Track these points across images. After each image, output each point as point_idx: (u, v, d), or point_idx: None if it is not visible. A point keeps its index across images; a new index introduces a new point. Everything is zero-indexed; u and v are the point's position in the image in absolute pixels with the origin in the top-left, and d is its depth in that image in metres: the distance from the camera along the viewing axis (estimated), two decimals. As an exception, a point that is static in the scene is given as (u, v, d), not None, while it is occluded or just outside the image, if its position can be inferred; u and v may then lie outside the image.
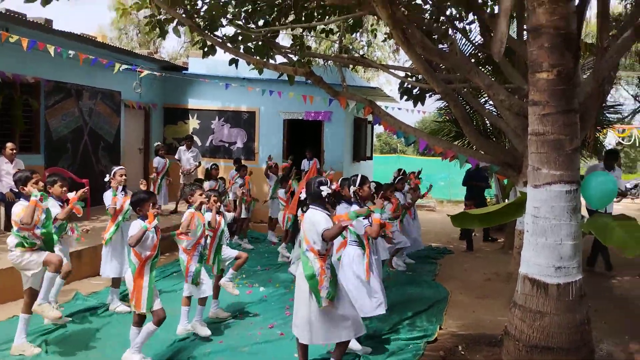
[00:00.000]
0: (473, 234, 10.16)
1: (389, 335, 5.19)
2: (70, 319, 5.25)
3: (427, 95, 9.44)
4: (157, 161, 10.32)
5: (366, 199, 4.99)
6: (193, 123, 13.13)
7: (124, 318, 5.45)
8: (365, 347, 4.75)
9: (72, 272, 5.38)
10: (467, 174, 10.26)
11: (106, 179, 5.85)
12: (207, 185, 9.10)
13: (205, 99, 12.93)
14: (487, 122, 11.21)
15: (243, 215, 9.60)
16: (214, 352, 4.68)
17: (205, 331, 5.00)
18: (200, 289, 5.02)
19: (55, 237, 4.89)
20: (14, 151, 7.83)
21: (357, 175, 5.07)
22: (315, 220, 3.89)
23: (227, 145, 12.99)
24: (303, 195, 4.06)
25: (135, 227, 4.16)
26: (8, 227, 6.85)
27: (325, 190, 3.98)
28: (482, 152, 7.48)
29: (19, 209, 4.40)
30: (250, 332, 5.21)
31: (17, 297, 5.04)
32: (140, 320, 4.21)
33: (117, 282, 5.81)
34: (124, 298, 5.80)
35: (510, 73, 6.95)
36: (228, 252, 5.66)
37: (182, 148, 11.07)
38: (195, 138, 12.79)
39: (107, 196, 5.75)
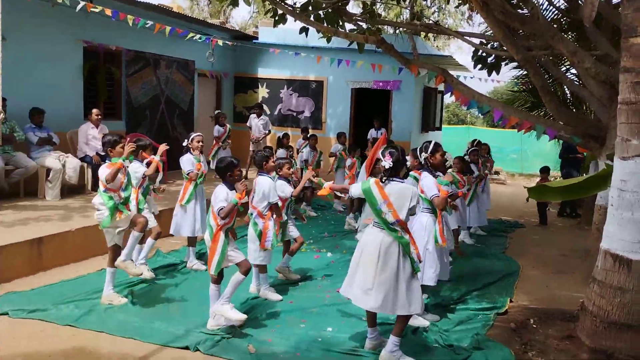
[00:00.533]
0: (547, 208, 9.79)
1: (457, 305, 5.17)
2: (154, 275, 5.59)
3: (503, 63, 9.06)
4: (216, 130, 10.49)
5: (437, 167, 4.81)
6: (262, 92, 13.35)
7: (201, 275, 5.76)
8: (433, 314, 4.76)
9: (161, 232, 5.70)
10: (564, 146, 9.99)
11: (184, 144, 6.07)
12: (279, 153, 9.30)
13: (275, 68, 13.08)
14: (568, 91, 10.64)
15: (307, 184, 9.72)
16: (285, 311, 4.86)
17: (277, 296, 5.17)
18: (264, 256, 5.12)
19: (142, 198, 5.24)
20: (99, 117, 8.33)
21: (429, 142, 4.90)
22: (405, 191, 3.81)
23: (294, 114, 13.13)
24: (386, 164, 3.91)
25: (222, 193, 4.26)
26: (95, 187, 7.36)
27: (387, 163, 3.82)
28: (562, 123, 7.13)
29: (106, 171, 4.68)
30: (318, 295, 5.35)
31: (104, 252, 5.41)
32: (218, 279, 4.42)
33: (192, 240, 6.10)
34: (201, 257, 6.12)
35: (597, 39, 6.52)
36: (291, 230, 5.71)
37: (253, 116, 11.31)
38: (265, 107, 13.02)
39: (186, 160, 5.99)
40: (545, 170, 9.91)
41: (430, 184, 4.54)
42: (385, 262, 3.82)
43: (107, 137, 4.86)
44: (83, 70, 8.99)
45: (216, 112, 10.49)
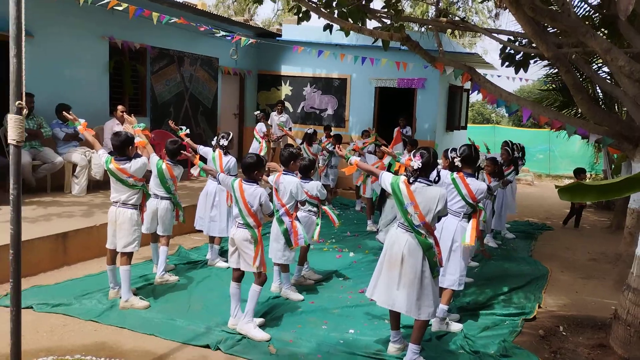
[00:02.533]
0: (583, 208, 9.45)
1: (483, 309, 5.04)
2: (177, 278, 5.56)
3: (531, 61, 8.83)
4: (259, 126, 10.21)
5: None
6: (285, 89, 13.32)
7: (222, 273, 5.75)
8: (453, 314, 4.64)
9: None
10: None
11: (213, 142, 6.09)
12: (313, 149, 9.22)
13: (298, 66, 13.03)
14: (600, 90, 10.35)
15: (331, 183, 9.66)
16: (306, 311, 4.81)
17: (298, 296, 5.12)
18: (289, 255, 5.06)
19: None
20: (124, 113, 8.37)
21: (465, 146, 4.85)
22: (427, 194, 3.71)
23: (317, 112, 13.07)
24: (415, 164, 3.82)
25: (262, 195, 4.25)
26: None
27: (416, 164, 3.73)
28: (594, 123, 6.91)
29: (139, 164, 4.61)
30: (340, 295, 5.29)
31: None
32: (239, 277, 4.38)
33: (217, 238, 6.09)
34: (223, 254, 6.10)
35: (632, 36, 6.28)
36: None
37: (274, 113, 11.27)
38: (287, 104, 12.98)
39: (213, 157, 5.99)
40: (581, 172, 9.53)
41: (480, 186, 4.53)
42: (410, 264, 3.75)
43: (122, 134, 4.64)
44: (109, 67, 9.08)
45: (256, 112, 10.14)
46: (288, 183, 4.99)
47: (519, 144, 8.87)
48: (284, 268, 5.17)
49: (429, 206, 3.70)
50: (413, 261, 3.74)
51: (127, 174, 4.55)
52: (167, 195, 5.35)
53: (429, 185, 3.77)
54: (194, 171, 6.01)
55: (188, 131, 6.05)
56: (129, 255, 4.72)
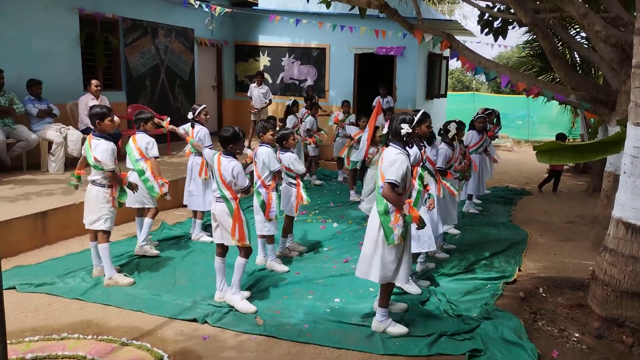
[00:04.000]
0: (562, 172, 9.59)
1: (465, 274, 5.14)
2: (158, 253, 5.52)
3: (510, 27, 8.82)
4: (290, 120, 9.63)
5: (423, 138, 4.62)
6: (264, 60, 13.12)
7: (206, 247, 5.75)
8: (424, 280, 4.78)
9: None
10: None
11: (190, 117, 6.03)
12: (289, 120, 9.15)
13: (276, 36, 12.81)
14: (577, 56, 10.42)
15: (312, 153, 9.63)
16: (292, 282, 4.85)
17: (283, 267, 5.14)
18: (270, 226, 5.08)
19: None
20: (99, 88, 8.18)
21: (417, 111, 4.74)
22: (390, 159, 3.74)
23: (297, 82, 12.93)
24: (385, 129, 3.88)
25: (235, 167, 4.22)
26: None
27: (404, 129, 3.77)
28: (571, 88, 6.98)
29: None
30: (325, 265, 5.33)
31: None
32: (222, 251, 4.38)
33: (200, 212, 6.06)
34: (206, 228, 6.09)
35: (608, 1, 6.30)
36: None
37: (253, 85, 11.10)
38: (266, 75, 12.80)
39: (206, 132, 5.97)
40: (561, 137, 9.66)
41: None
42: (369, 229, 3.90)
43: (95, 108, 4.57)
44: (80, 39, 8.79)
45: (292, 100, 9.76)
46: (261, 154, 5.05)
47: (495, 110, 8.93)
48: (269, 240, 5.19)
49: (387, 168, 3.72)
50: (371, 227, 3.87)
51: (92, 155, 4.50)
52: (133, 168, 5.33)
53: (395, 147, 3.79)
54: (187, 148, 5.99)
55: (169, 119, 6.13)
56: (104, 232, 4.62)
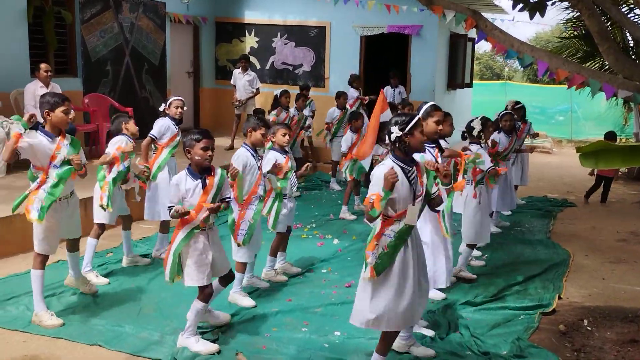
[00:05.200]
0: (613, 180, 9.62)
1: (493, 303, 5.15)
2: (106, 280, 5.42)
3: (549, 3, 8.88)
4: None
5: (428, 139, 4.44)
6: (250, 41, 13.18)
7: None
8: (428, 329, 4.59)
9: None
10: None
11: (161, 109, 6.09)
12: (272, 116, 9.18)
13: (265, 11, 12.90)
14: (630, 38, 10.47)
15: (297, 155, 9.61)
16: (282, 312, 4.85)
17: (249, 302, 4.98)
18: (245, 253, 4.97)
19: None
20: (49, 73, 8.20)
21: (425, 104, 4.70)
22: (376, 173, 3.62)
23: (291, 68, 12.98)
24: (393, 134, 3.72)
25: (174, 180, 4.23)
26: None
27: (393, 133, 3.64)
28: (623, 77, 7.01)
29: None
30: (323, 291, 5.34)
31: (61, 240, 5.36)
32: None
33: (165, 226, 6.07)
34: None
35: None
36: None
37: (237, 71, 11.16)
38: (253, 59, 12.85)
39: (162, 124, 5.97)
40: (610, 137, 9.67)
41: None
42: None
43: (47, 96, 4.54)
44: (27, 15, 8.81)
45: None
46: (235, 158, 4.95)
47: (517, 102, 8.76)
48: (239, 267, 4.98)
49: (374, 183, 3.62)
50: None
51: None
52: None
53: (393, 161, 3.68)
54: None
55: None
56: (37, 256, 4.53)
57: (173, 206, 4.06)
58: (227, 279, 4.43)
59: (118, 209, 5.50)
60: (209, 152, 4.07)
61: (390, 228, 3.67)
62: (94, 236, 5.40)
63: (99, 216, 5.39)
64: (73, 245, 4.88)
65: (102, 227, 5.44)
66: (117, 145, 5.37)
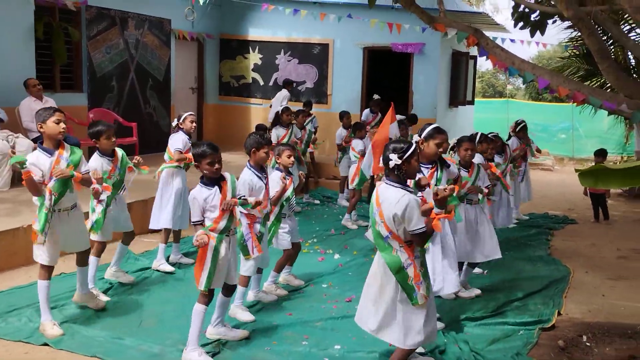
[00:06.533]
0: (606, 198, 9.64)
1: (492, 318, 5.16)
2: (106, 299, 5.35)
3: (550, 22, 8.96)
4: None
5: (428, 158, 4.66)
6: (254, 58, 13.29)
7: (179, 283, 5.79)
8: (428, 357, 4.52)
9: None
10: None
11: (174, 124, 6.29)
12: (273, 133, 9.17)
13: (269, 29, 13.01)
14: (631, 56, 10.54)
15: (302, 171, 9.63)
16: (283, 325, 4.86)
17: (248, 316, 4.98)
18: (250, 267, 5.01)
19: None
20: (39, 87, 8.33)
21: (429, 125, 4.74)
22: (401, 204, 3.66)
23: (294, 85, 13.07)
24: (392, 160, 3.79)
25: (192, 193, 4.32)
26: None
27: (393, 160, 3.71)
28: (624, 95, 7.07)
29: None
30: (324, 305, 5.36)
31: (63, 252, 5.39)
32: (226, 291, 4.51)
33: (167, 235, 6.17)
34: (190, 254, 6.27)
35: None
36: (281, 237, 5.51)
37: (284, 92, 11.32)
38: (256, 76, 12.95)
39: (178, 138, 6.14)
40: (600, 154, 9.72)
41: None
42: (385, 282, 3.85)
43: (39, 111, 4.58)
44: (35, 31, 8.93)
45: (375, 96, 9.97)
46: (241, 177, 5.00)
47: (519, 120, 8.95)
48: (242, 281, 4.98)
49: (390, 211, 3.68)
50: (388, 280, 3.82)
51: None
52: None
53: (394, 186, 3.75)
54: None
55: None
56: (41, 267, 4.59)
57: (201, 221, 4.17)
58: (230, 290, 4.49)
59: (116, 226, 5.45)
60: (216, 166, 4.18)
61: (417, 251, 3.82)
62: (95, 254, 5.30)
63: (94, 235, 5.33)
64: (82, 260, 4.88)
65: (103, 244, 5.38)
66: (93, 169, 4.96)
